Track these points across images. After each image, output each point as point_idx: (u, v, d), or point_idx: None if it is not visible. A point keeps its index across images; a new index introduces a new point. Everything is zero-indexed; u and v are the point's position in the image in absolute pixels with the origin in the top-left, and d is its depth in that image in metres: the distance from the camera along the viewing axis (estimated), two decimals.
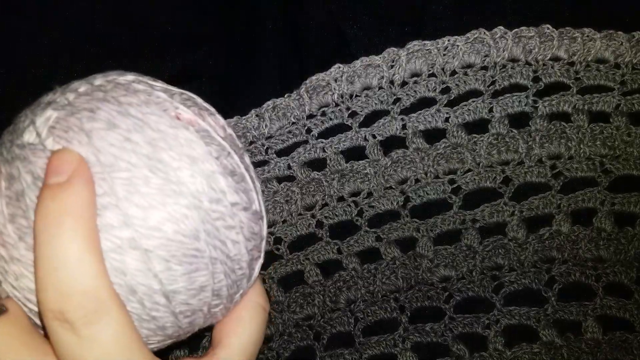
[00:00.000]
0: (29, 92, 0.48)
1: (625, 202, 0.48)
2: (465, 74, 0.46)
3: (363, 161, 0.48)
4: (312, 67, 0.47)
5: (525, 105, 0.47)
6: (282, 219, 0.48)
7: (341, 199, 0.48)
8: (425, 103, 0.47)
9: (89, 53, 0.49)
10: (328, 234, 0.49)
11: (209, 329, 0.37)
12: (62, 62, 0.48)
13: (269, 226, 0.48)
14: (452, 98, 0.47)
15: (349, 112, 0.47)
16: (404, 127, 0.47)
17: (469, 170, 0.48)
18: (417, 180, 0.48)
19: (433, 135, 0.47)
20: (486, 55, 0.46)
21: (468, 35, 0.45)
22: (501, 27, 0.45)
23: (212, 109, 0.35)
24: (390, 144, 0.47)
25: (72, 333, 0.30)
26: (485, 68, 0.46)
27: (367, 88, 0.46)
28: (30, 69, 0.48)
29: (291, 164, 0.47)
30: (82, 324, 0.30)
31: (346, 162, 0.48)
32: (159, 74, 0.48)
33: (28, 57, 0.49)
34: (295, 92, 0.46)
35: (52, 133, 0.32)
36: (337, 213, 0.48)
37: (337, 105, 0.46)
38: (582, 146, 0.47)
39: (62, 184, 0.30)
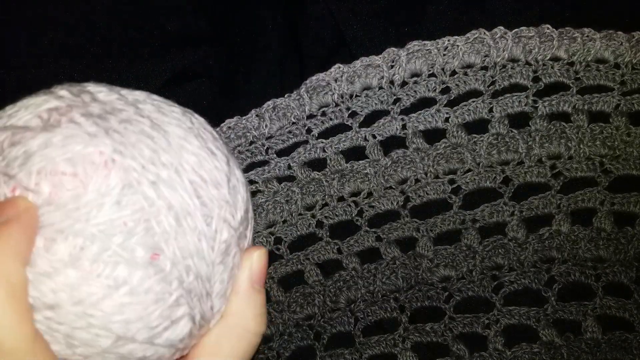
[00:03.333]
0: (28, 92, 0.48)
1: (625, 202, 0.48)
2: (465, 74, 0.46)
3: (363, 161, 0.48)
4: (312, 67, 0.47)
5: (525, 105, 0.47)
6: (282, 219, 0.48)
7: (341, 199, 0.48)
8: (425, 103, 0.47)
9: (89, 53, 0.49)
10: (328, 234, 0.49)
11: None
12: (62, 62, 0.48)
13: (269, 226, 0.48)
14: (452, 98, 0.47)
15: (349, 112, 0.47)
16: (404, 127, 0.47)
17: (469, 170, 0.48)
18: (417, 180, 0.48)
19: (433, 135, 0.47)
20: (486, 55, 0.46)
21: (468, 35, 0.45)
22: (501, 27, 0.45)
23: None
24: (390, 144, 0.47)
25: None
26: (485, 68, 0.46)
27: (367, 88, 0.46)
28: (31, 69, 0.48)
29: (291, 164, 0.48)
30: None
31: (346, 162, 0.48)
32: (159, 73, 0.49)
33: (28, 58, 0.49)
34: (295, 92, 0.46)
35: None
36: (337, 213, 0.48)
37: (337, 105, 0.47)
38: (581, 146, 0.47)
39: None
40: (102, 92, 0.32)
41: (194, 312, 0.31)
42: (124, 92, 0.32)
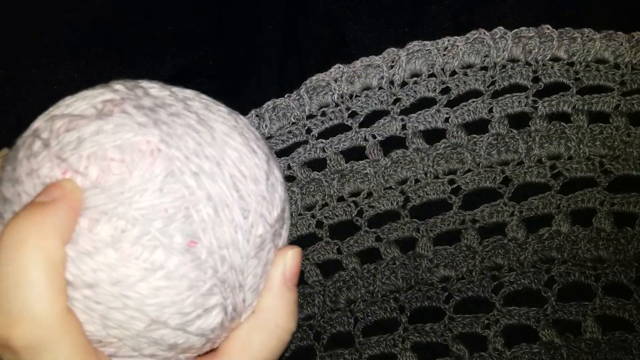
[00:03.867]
0: (28, 92, 0.48)
1: (625, 202, 0.48)
2: (465, 74, 0.46)
3: (363, 161, 0.48)
4: (312, 67, 0.47)
5: (525, 105, 0.47)
6: None
7: (341, 199, 0.48)
8: (425, 103, 0.47)
9: (89, 53, 0.49)
10: (328, 234, 0.49)
11: None
12: (61, 62, 0.48)
13: None
14: (452, 98, 0.47)
15: (349, 112, 0.47)
16: (403, 127, 0.47)
17: (469, 170, 0.48)
18: (417, 181, 0.48)
19: (433, 136, 0.47)
20: (486, 56, 0.46)
21: (468, 35, 0.45)
22: (501, 28, 0.45)
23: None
24: (390, 144, 0.47)
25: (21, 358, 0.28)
26: (485, 68, 0.46)
27: (367, 88, 0.46)
28: (30, 69, 0.48)
29: (291, 164, 0.48)
30: (26, 353, 0.28)
31: (346, 162, 0.48)
32: (159, 73, 0.49)
33: (28, 58, 0.49)
34: (295, 92, 0.46)
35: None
36: (337, 213, 0.48)
37: (337, 105, 0.47)
38: (581, 146, 0.47)
39: (43, 203, 0.29)
40: (154, 88, 0.34)
41: (226, 302, 0.32)
42: (175, 89, 0.34)
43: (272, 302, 0.34)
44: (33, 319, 0.28)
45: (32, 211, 0.29)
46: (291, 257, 0.34)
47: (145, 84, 0.34)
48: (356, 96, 0.46)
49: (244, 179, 0.32)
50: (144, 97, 0.33)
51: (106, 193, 0.30)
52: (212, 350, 0.34)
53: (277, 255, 0.34)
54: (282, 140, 0.47)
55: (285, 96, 0.46)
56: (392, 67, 0.46)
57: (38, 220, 0.28)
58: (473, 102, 0.47)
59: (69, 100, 0.33)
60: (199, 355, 0.34)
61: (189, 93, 0.34)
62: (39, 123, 0.33)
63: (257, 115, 0.46)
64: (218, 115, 0.33)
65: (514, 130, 0.47)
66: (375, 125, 0.47)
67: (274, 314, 0.34)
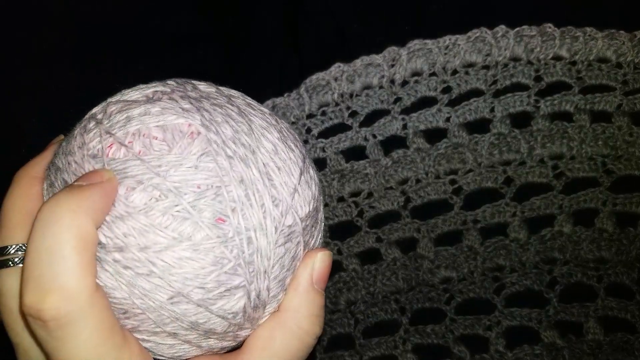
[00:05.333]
0: (28, 92, 0.48)
1: (627, 203, 0.48)
2: (467, 73, 0.46)
3: (363, 161, 0.48)
4: (312, 67, 0.47)
5: (527, 104, 0.47)
6: None
7: (341, 199, 0.48)
8: (426, 102, 0.47)
9: (89, 53, 0.49)
10: (328, 234, 0.49)
11: None
12: (61, 62, 0.48)
13: None
14: (453, 97, 0.47)
15: (349, 111, 0.47)
16: (404, 126, 0.47)
17: (470, 170, 0.48)
18: (417, 181, 0.48)
19: (434, 135, 0.47)
20: (488, 54, 0.46)
21: (469, 34, 0.45)
22: (503, 26, 0.45)
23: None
24: (391, 143, 0.47)
25: (45, 331, 0.29)
26: (486, 67, 0.46)
27: (368, 87, 0.46)
28: (30, 69, 0.48)
29: None
30: (54, 325, 0.29)
31: (346, 162, 0.48)
32: (159, 73, 0.49)
33: (27, 58, 0.49)
34: (295, 91, 0.46)
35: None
36: (337, 213, 0.48)
37: (337, 104, 0.46)
38: (584, 146, 0.47)
39: (81, 186, 0.31)
40: (202, 84, 0.37)
41: (250, 287, 0.32)
42: (222, 88, 0.37)
43: (296, 302, 0.34)
44: (62, 292, 0.29)
45: (70, 193, 0.30)
46: (321, 259, 0.35)
47: (195, 81, 0.37)
48: (356, 95, 0.46)
49: (278, 170, 0.33)
50: (191, 90, 0.35)
51: (145, 165, 0.32)
52: (235, 351, 0.35)
53: (307, 255, 0.35)
54: None
55: (285, 95, 0.46)
56: (392, 66, 0.46)
57: (74, 201, 0.30)
58: (474, 101, 0.47)
59: (125, 90, 0.36)
60: (222, 354, 0.35)
61: (234, 92, 0.37)
62: (96, 108, 0.36)
63: None
64: (258, 112, 0.35)
65: (515, 130, 0.47)
66: (376, 124, 0.47)
67: (298, 315, 0.34)
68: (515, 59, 0.46)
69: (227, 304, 0.32)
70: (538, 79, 0.46)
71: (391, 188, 0.48)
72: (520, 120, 0.47)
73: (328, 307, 0.49)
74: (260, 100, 0.47)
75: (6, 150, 0.49)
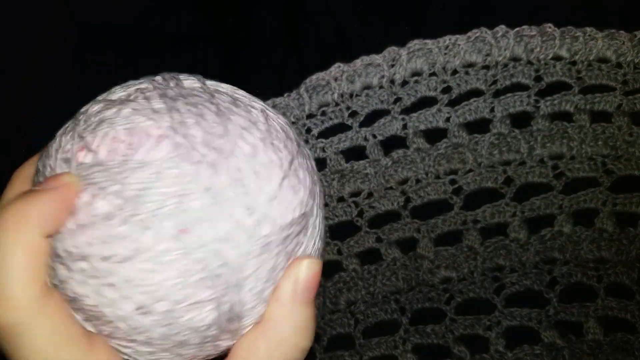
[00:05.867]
0: (28, 92, 0.48)
1: (627, 203, 0.48)
2: (467, 73, 0.46)
3: (363, 161, 0.48)
4: (312, 67, 0.47)
5: (527, 104, 0.47)
6: None
7: (341, 199, 0.48)
8: (426, 102, 0.47)
9: (89, 53, 0.49)
10: (328, 234, 0.49)
11: None
12: (60, 62, 0.48)
13: None
14: (453, 97, 0.47)
15: (349, 111, 0.47)
16: (404, 126, 0.47)
17: (470, 170, 0.48)
18: (417, 181, 0.48)
19: (434, 135, 0.47)
20: (487, 54, 0.46)
21: (469, 34, 0.45)
22: (503, 26, 0.45)
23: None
24: (391, 143, 0.47)
25: (1, 340, 0.30)
26: (486, 67, 0.46)
27: (368, 87, 0.46)
28: (29, 69, 0.48)
29: None
30: (5, 334, 0.29)
31: (346, 162, 0.48)
32: (158, 73, 0.49)
33: (26, 58, 0.49)
34: (294, 91, 0.46)
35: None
36: (337, 213, 0.48)
37: (337, 104, 0.46)
38: (584, 146, 0.47)
39: (34, 192, 0.31)
40: (190, 79, 0.34)
41: (220, 300, 0.31)
42: (211, 83, 0.35)
43: (278, 313, 0.32)
44: (8, 303, 0.29)
45: (19, 200, 0.30)
46: (306, 267, 0.33)
47: (183, 76, 0.35)
48: (356, 95, 0.46)
49: (254, 175, 0.31)
50: (173, 88, 0.33)
51: (108, 171, 0.30)
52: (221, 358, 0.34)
53: (292, 264, 0.32)
54: None
55: (285, 95, 0.46)
56: (392, 65, 0.46)
57: (21, 209, 0.30)
58: (474, 101, 0.47)
59: (114, 88, 0.35)
60: None
61: (223, 87, 0.35)
62: (84, 107, 0.35)
63: None
64: (243, 110, 0.33)
65: (515, 130, 0.47)
66: (376, 124, 0.47)
67: (280, 326, 0.32)
68: (515, 59, 0.46)
69: (197, 316, 0.31)
70: (538, 79, 0.46)
71: (391, 188, 0.48)
72: (520, 120, 0.47)
73: (328, 307, 0.49)
74: (261, 99, 0.47)
75: (6, 150, 0.49)
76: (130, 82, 0.35)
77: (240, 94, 0.35)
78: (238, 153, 0.31)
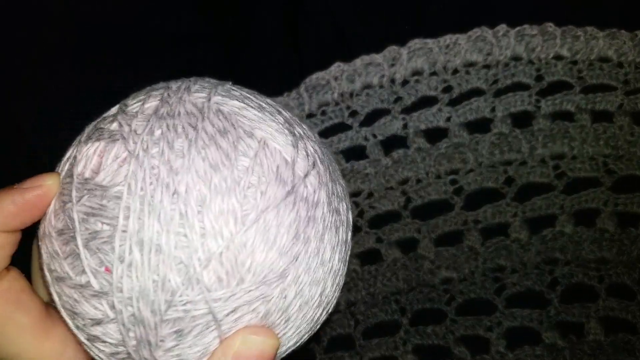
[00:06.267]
0: (26, 92, 0.48)
1: (628, 203, 0.48)
2: (467, 72, 0.46)
3: (363, 161, 0.47)
4: (312, 66, 0.47)
5: (528, 104, 0.47)
6: None
7: None
8: (426, 102, 0.47)
9: (88, 53, 0.49)
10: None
11: None
12: (59, 62, 0.48)
13: None
14: (454, 97, 0.47)
15: (350, 111, 0.47)
16: (405, 126, 0.47)
17: (471, 170, 0.47)
18: (418, 181, 0.48)
19: (434, 135, 0.47)
20: (488, 54, 0.45)
21: (470, 33, 0.45)
22: (503, 25, 0.45)
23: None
24: (391, 143, 0.47)
25: None
26: (487, 66, 0.46)
27: (368, 87, 0.46)
28: (28, 69, 0.48)
29: None
30: None
31: (346, 162, 0.48)
32: (158, 72, 0.49)
33: (26, 57, 0.48)
34: (294, 91, 0.46)
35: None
36: None
37: (337, 104, 0.46)
38: (585, 146, 0.47)
39: (5, 189, 0.32)
40: (198, 91, 0.32)
41: (130, 350, 0.29)
42: (217, 99, 0.32)
43: None
44: None
45: None
46: (243, 346, 0.28)
47: (200, 85, 0.33)
48: (357, 95, 0.46)
49: (200, 228, 0.28)
50: (175, 102, 0.31)
51: (72, 184, 0.30)
52: None
53: (226, 340, 0.29)
54: None
55: (285, 95, 0.46)
56: (393, 65, 0.46)
57: None
58: (475, 100, 0.47)
59: (135, 94, 0.34)
60: None
61: (230, 107, 0.31)
62: (106, 113, 0.34)
63: None
64: (231, 143, 0.29)
65: (516, 130, 0.47)
66: (376, 124, 0.47)
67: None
68: (516, 58, 0.46)
69: (105, 350, 0.30)
70: (539, 78, 0.46)
71: (391, 188, 0.48)
72: (522, 120, 0.47)
73: None
74: None
75: (6, 150, 0.49)
76: (148, 91, 0.33)
77: (244, 120, 0.31)
78: (194, 195, 0.28)
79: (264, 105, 0.33)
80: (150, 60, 0.49)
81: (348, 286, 0.49)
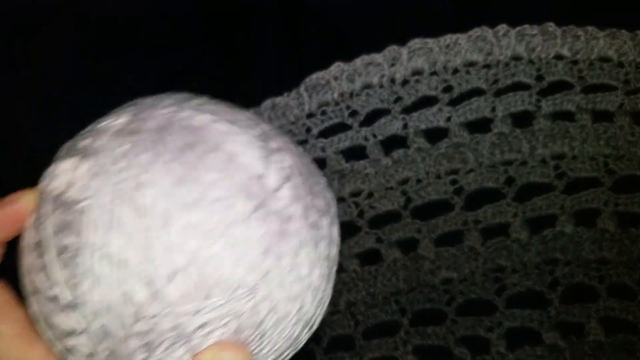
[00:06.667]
0: (26, 92, 0.48)
1: (629, 203, 0.48)
2: (468, 72, 0.46)
3: (363, 161, 0.47)
4: (312, 66, 0.47)
5: (529, 104, 0.47)
6: None
7: (341, 199, 0.48)
8: (426, 102, 0.47)
9: (87, 53, 0.49)
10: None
11: None
12: (59, 61, 0.48)
13: None
14: (454, 97, 0.47)
15: (349, 110, 0.47)
16: (405, 126, 0.47)
17: (471, 170, 0.47)
18: (418, 181, 0.48)
19: (435, 135, 0.47)
20: (489, 53, 0.45)
21: (470, 33, 0.45)
22: (504, 25, 0.45)
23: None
24: (391, 143, 0.47)
25: None
26: (487, 66, 0.46)
27: (368, 86, 0.46)
28: (28, 69, 0.48)
29: None
30: None
31: (346, 162, 0.47)
32: (157, 72, 0.49)
33: (25, 57, 0.48)
34: (294, 90, 0.46)
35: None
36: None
37: (337, 104, 0.46)
38: (585, 146, 0.47)
39: None
40: (168, 106, 0.32)
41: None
42: (187, 113, 0.31)
43: None
44: None
45: None
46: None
47: (194, 102, 0.33)
48: (357, 94, 0.46)
49: (157, 233, 0.28)
50: (141, 119, 0.31)
51: (46, 200, 0.31)
52: None
53: (194, 357, 0.29)
54: None
55: (284, 95, 0.46)
56: (393, 64, 0.46)
57: None
58: (475, 100, 0.46)
59: (125, 106, 0.34)
60: None
61: (200, 121, 0.31)
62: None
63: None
64: (200, 151, 0.30)
65: (517, 130, 0.47)
66: (376, 124, 0.47)
67: None
68: (517, 58, 0.46)
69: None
70: (539, 78, 0.46)
71: (391, 188, 0.48)
72: (522, 120, 0.47)
73: (328, 307, 0.49)
74: (260, 100, 0.47)
75: (6, 150, 0.49)
76: (126, 105, 0.33)
77: (218, 126, 0.31)
78: (143, 208, 0.29)
79: (238, 118, 0.33)
80: (150, 60, 0.49)
81: (348, 286, 0.49)
